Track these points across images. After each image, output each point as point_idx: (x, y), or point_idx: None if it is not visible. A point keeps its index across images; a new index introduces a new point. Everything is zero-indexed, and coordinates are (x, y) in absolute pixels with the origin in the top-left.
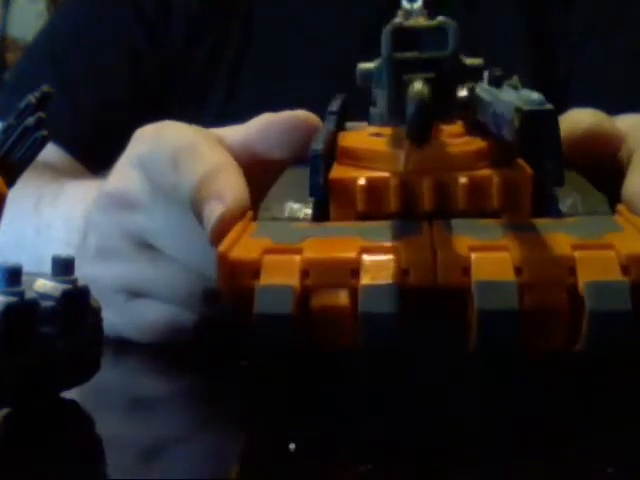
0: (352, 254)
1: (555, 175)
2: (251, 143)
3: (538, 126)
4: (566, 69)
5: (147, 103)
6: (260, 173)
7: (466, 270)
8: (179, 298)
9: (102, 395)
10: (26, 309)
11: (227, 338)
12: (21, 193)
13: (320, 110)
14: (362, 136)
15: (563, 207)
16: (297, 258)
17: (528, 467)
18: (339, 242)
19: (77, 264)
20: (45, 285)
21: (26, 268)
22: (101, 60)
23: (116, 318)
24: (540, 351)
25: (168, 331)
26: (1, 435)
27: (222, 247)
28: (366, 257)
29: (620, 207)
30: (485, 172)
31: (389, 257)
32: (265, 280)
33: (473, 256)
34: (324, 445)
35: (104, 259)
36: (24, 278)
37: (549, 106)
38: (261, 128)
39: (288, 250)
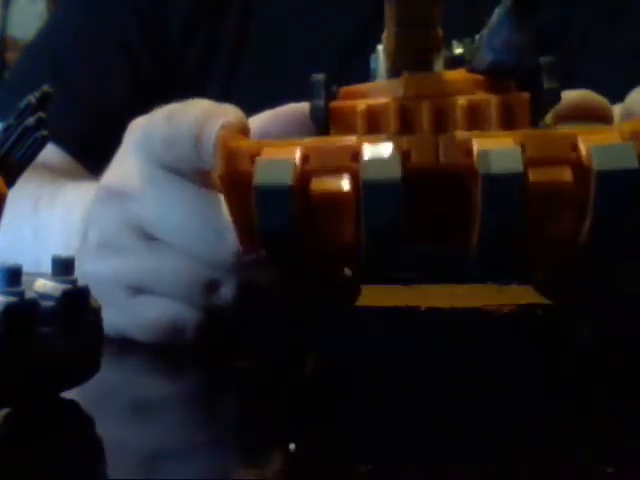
0: (352, 141)
1: (550, 70)
2: (253, 135)
3: (531, 2)
4: (567, 67)
5: (146, 102)
6: None
7: (469, 152)
8: (181, 290)
9: (102, 395)
10: (26, 309)
11: (227, 338)
12: (19, 194)
13: None
14: (362, 84)
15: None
16: (297, 146)
17: (528, 467)
18: (339, 139)
19: (78, 263)
20: (45, 285)
21: (24, 270)
22: (99, 60)
23: (117, 316)
24: (546, 238)
25: (170, 329)
26: (1, 435)
27: (222, 134)
28: (367, 144)
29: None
30: (483, 95)
31: (389, 143)
32: (265, 155)
33: (475, 139)
34: (324, 445)
35: (105, 254)
36: (24, 278)
37: None
38: (264, 121)
39: (288, 143)
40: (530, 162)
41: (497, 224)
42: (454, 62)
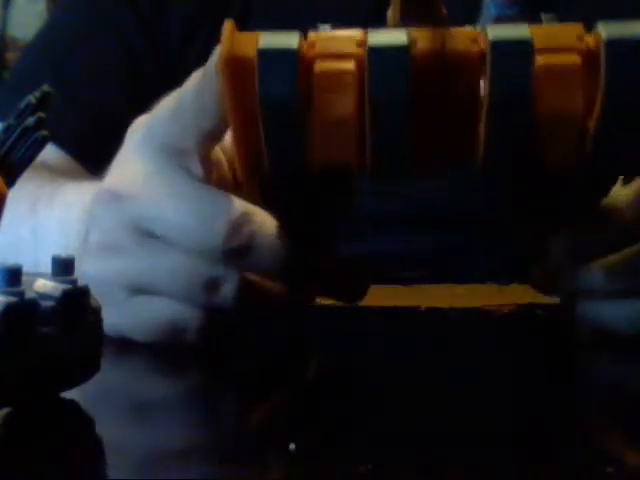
0: (359, 33)
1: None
2: None
3: None
4: None
5: (146, 103)
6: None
7: (475, 39)
8: (181, 290)
9: (102, 395)
10: (26, 309)
11: (227, 338)
12: (19, 194)
13: None
14: None
15: None
16: (300, 36)
17: (528, 467)
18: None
19: (78, 264)
20: (45, 285)
21: (24, 270)
22: (99, 60)
23: (118, 317)
24: (557, 116)
25: (170, 330)
26: (1, 435)
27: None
28: (373, 32)
29: None
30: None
31: (396, 31)
32: (267, 41)
33: (483, 30)
34: (324, 445)
35: (106, 255)
36: (24, 278)
37: None
38: None
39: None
40: (539, 50)
41: (506, 97)
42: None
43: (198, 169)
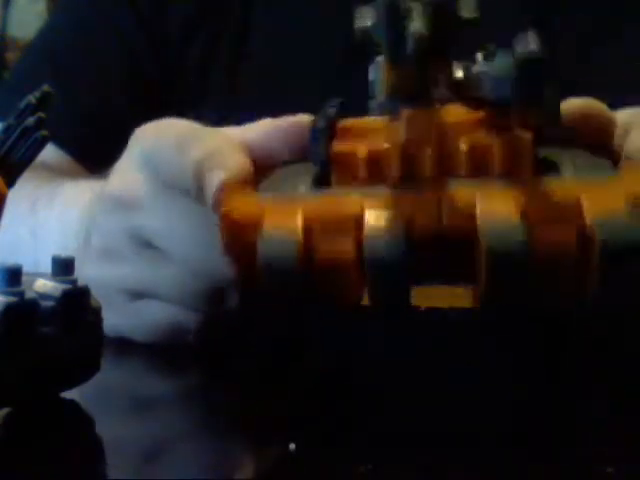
0: (355, 205)
1: (552, 113)
2: (250, 147)
3: (536, 73)
4: (570, 70)
5: (145, 103)
6: (256, 176)
7: (472, 213)
8: (182, 298)
9: (102, 395)
10: (26, 309)
11: (227, 338)
12: (18, 194)
13: (319, 109)
14: (361, 119)
15: (564, 171)
16: (299, 213)
17: (528, 467)
18: (342, 198)
19: (79, 265)
20: (45, 285)
21: (24, 270)
22: (99, 60)
23: (118, 319)
24: (551, 298)
25: (170, 332)
26: (1, 435)
27: (225, 207)
28: (370, 208)
29: (624, 162)
30: (485, 138)
31: (393, 206)
32: (268, 228)
33: (479, 199)
34: (324, 445)
35: (107, 260)
36: (24, 278)
37: (545, 52)
38: (262, 132)
39: (290, 207)
40: (533, 228)
41: (500, 289)
42: (455, 86)
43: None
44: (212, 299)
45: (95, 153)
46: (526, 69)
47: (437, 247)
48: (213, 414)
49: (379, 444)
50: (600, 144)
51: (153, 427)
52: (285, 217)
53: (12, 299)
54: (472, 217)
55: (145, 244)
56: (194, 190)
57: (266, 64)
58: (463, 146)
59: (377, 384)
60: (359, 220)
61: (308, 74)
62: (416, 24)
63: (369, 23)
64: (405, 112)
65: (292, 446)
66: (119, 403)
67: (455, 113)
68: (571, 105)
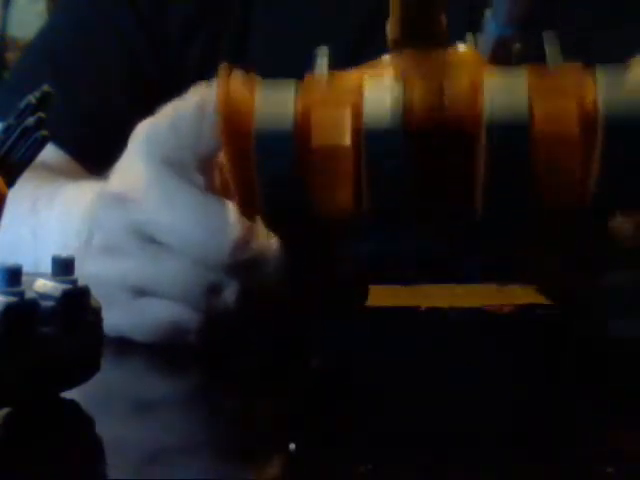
0: (355, 84)
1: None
2: None
3: None
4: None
5: (145, 103)
6: None
7: (474, 104)
8: (183, 293)
9: (102, 395)
10: (26, 309)
11: (227, 338)
12: (18, 194)
13: None
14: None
15: None
16: (296, 94)
17: (528, 467)
18: (341, 76)
19: (81, 263)
20: (45, 285)
21: (24, 270)
22: (99, 60)
23: (119, 317)
24: (552, 189)
25: (172, 331)
26: (1, 435)
27: (221, 91)
28: (369, 89)
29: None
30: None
31: (393, 86)
32: (264, 110)
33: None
34: (324, 445)
35: (109, 257)
36: (24, 278)
37: None
38: None
39: (287, 84)
40: (535, 102)
41: (503, 174)
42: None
43: (199, 179)
44: (212, 294)
45: (95, 153)
46: None
47: (437, 138)
48: (213, 414)
49: (379, 444)
50: None
51: (153, 427)
52: (282, 99)
53: (12, 299)
54: (474, 105)
55: (147, 239)
56: (196, 123)
57: (266, 64)
58: (464, 81)
59: (377, 384)
60: (358, 105)
61: (309, 72)
62: None
63: None
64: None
65: (292, 446)
66: (119, 403)
67: (459, 52)
68: None
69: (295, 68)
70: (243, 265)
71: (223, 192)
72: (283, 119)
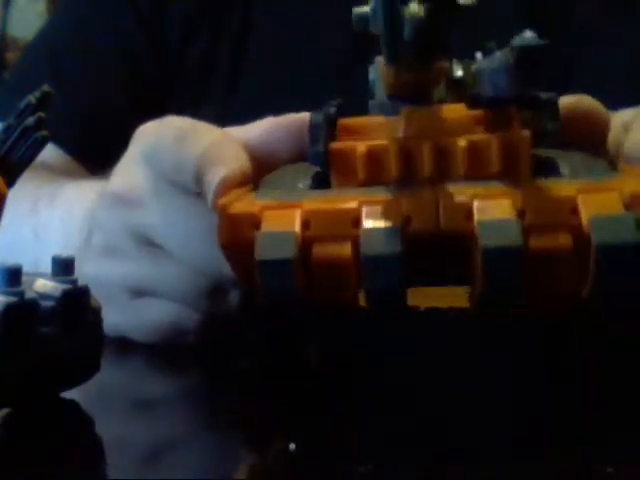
0: (353, 204)
1: (551, 108)
2: (252, 145)
3: (533, 60)
4: (566, 68)
5: (145, 103)
6: (258, 175)
7: (468, 216)
8: (183, 296)
9: (102, 395)
10: (26, 309)
11: (227, 338)
12: (19, 194)
13: (320, 108)
14: (361, 118)
15: (563, 170)
16: (297, 210)
17: (528, 467)
18: (339, 198)
19: (80, 263)
20: (45, 285)
21: (24, 270)
22: (100, 60)
23: (119, 317)
24: (546, 297)
25: (171, 331)
26: (1, 435)
27: (223, 200)
28: (367, 207)
29: (622, 165)
30: (484, 136)
31: (390, 206)
32: (266, 229)
33: (475, 202)
34: (324, 445)
35: (109, 258)
36: (24, 278)
37: (542, 41)
38: (264, 131)
39: (288, 205)
40: (530, 228)
41: (496, 289)
42: (455, 85)
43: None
44: (213, 297)
45: (95, 153)
46: (523, 56)
47: (434, 247)
48: (213, 414)
49: (379, 444)
50: (591, 142)
51: (153, 427)
52: (283, 215)
53: (12, 299)
54: (469, 218)
55: (146, 242)
56: (194, 185)
57: (266, 64)
58: (461, 143)
59: (377, 384)
60: (356, 219)
61: (308, 74)
62: (413, 7)
63: (367, 9)
64: (405, 109)
65: (292, 446)
66: (119, 403)
67: (454, 111)
68: (565, 102)
69: (295, 68)
70: None
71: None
72: (285, 251)
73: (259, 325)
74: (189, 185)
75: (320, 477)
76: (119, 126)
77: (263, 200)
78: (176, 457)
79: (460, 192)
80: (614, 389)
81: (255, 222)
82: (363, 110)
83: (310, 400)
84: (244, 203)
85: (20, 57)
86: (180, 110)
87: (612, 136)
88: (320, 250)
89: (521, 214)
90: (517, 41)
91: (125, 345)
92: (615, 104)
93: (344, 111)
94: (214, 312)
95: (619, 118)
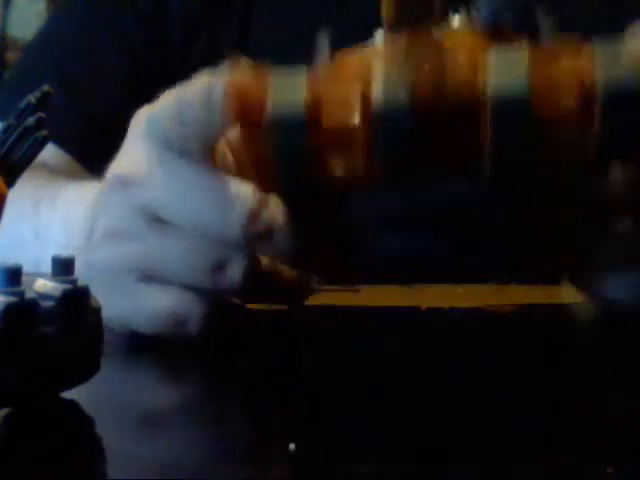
0: (363, 69)
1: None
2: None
3: None
4: None
5: (146, 103)
6: None
7: (475, 72)
8: (188, 272)
9: (102, 395)
10: (26, 309)
11: (227, 338)
12: (19, 194)
13: None
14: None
15: None
16: (306, 77)
17: (528, 467)
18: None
19: (85, 255)
20: (45, 285)
21: (24, 270)
22: (100, 60)
23: (122, 307)
24: (554, 153)
25: (173, 320)
26: (1, 435)
27: (231, 78)
28: (376, 70)
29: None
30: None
31: (399, 69)
32: (277, 90)
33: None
34: (324, 445)
35: (114, 241)
36: (24, 278)
37: None
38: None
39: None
40: (535, 71)
41: (507, 142)
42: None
43: (202, 162)
44: (218, 272)
45: (95, 153)
46: None
47: (440, 117)
48: (213, 414)
49: (379, 444)
50: None
51: (153, 427)
52: (294, 83)
53: (12, 299)
54: (475, 78)
55: (151, 219)
56: (201, 111)
57: (266, 64)
58: (461, 59)
59: (377, 384)
60: (366, 86)
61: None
62: None
63: None
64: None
65: (292, 446)
66: (119, 403)
67: (454, 33)
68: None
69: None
70: (256, 236)
71: (232, 174)
72: (296, 103)
73: (259, 325)
74: (192, 132)
75: (320, 477)
76: (119, 126)
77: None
78: (176, 457)
79: (466, 42)
80: (614, 389)
81: (265, 89)
82: None
83: (310, 400)
84: (251, 75)
85: (20, 57)
86: None
87: None
88: (330, 115)
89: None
90: None
91: (125, 345)
92: None
93: None
94: (217, 289)
95: None
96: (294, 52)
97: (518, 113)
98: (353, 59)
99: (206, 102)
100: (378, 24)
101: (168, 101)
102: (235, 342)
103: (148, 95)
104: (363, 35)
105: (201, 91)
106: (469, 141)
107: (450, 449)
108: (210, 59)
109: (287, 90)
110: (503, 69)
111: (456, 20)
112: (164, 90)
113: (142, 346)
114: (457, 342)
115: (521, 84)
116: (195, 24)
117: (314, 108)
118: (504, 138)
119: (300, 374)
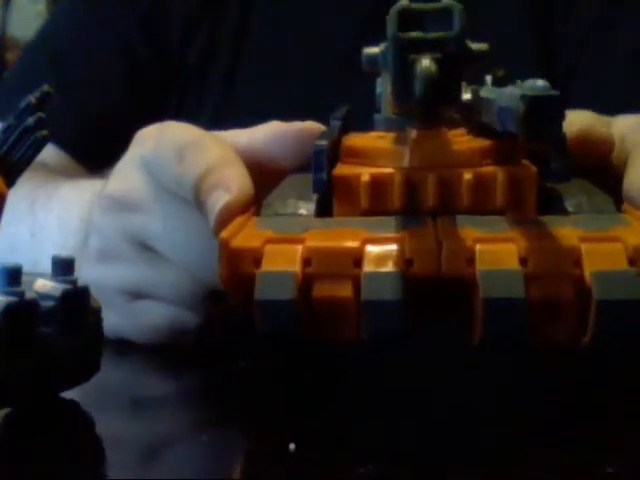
0: (355, 243)
1: (561, 162)
2: (256, 150)
3: (544, 111)
4: (568, 66)
5: (145, 103)
6: (260, 179)
7: (470, 260)
8: (181, 299)
9: (102, 395)
10: (26, 309)
11: (227, 338)
12: (16, 194)
13: (317, 110)
14: (366, 137)
15: (568, 207)
16: (299, 247)
17: (528, 467)
18: (342, 233)
19: (78, 266)
20: (45, 285)
21: (23, 270)
22: (99, 60)
23: (118, 320)
24: (546, 344)
25: (170, 332)
26: (1, 435)
27: (224, 234)
28: (369, 247)
29: (625, 206)
30: (490, 169)
31: (393, 247)
32: (266, 267)
33: (478, 247)
34: (324, 445)
35: (106, 261)
36: (24, 278)
37: (554, 92)
38: (269, 137)
39: (290, 240)
40: (532, 277)
41: (498, 332)
42: (462, 108)
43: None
44: (211, 300)
45: (95, 153)
46: (534, 107)
47: (435, 291)
48: (213, 414)
49: (379, 444)
50: (597, 165)
51: (153, 427)
52: (284, 252)
53: (12, 299)
54: (471, 264)
55: (143, 246)
56: (194, 203)
57: (265, 64)
58: (467, 176)
59: (377, 384)
60: (358, 259)
61: (307, 75)
62: (425, 62)
63: (377, 50)
64: (411, 133)
65: (292, 446)
66: (119, 403)
67: (461, 141)
68: (571, 129)
69: (294, 67)
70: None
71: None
72: (285, 292)
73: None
74: (189, 199)
75: (320, 477)
76: (119, 126)
77: (264, 231)
78: (176, 457)
79: (463, 234)
80: (614, 389)
81: (256, 257)
82: (363, 110)
83: (310, 400)
84: (245, 236)
85: (20, 57)
86: (179, 109)
87: (615, 156)
88: (321, 289)
89: (523, 262)
90: (527, 87)
91: (125, 345)
92: (615, 102)
93: (350, 120)
94: (212, 314)
95: (615, 128)
96: (293, 52)
97: (511, 315)
98: (347, 238)
99: (200, 207)
100: (377, 24)
101: (172, 157)
102: (235, 342)
103: (148, 95)
104: (363, 34)
105: (198, 188)
106: (460, 313)
107: (450, 449)
108: (209, 59)
109: (276, 279)
110: (497, 280)
111: (468, 94)
112: (163, 91)
113: (142, 346)
114: (457, 343)
115: (516, 291)
116: (194, 24)
117: (304, 295)
118: (496, 331)
119: (300, 374)
